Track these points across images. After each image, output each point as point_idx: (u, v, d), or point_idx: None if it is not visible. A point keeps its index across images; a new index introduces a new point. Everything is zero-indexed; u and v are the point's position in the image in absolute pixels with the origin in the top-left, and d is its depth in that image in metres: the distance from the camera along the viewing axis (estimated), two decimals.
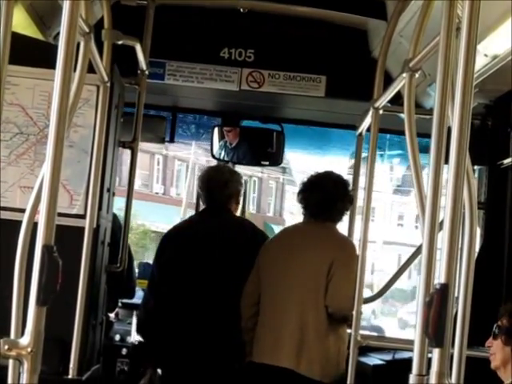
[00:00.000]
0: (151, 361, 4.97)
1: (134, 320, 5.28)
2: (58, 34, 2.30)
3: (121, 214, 4.59)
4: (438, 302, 1.95)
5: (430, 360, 2.03)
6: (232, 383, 4.67)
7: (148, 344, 4.96)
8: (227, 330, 4.66)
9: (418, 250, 4.65)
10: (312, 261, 4.41)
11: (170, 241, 4.95)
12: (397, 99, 3.71)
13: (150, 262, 5.44)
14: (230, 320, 4.65)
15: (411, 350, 2.09)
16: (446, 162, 2.04)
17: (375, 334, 11.45)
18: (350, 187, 4.68)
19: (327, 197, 4.52)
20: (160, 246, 5.03)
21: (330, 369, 4.34)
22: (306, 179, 4.70)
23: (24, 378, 2.16)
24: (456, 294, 2.02)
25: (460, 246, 2.06)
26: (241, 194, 5.01)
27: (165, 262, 4.87)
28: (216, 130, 5.97)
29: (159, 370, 4.97)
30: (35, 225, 2.28)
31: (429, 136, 2.14)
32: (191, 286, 4.75)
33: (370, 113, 3.96)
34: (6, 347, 2.14)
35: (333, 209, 4.53)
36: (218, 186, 4.88)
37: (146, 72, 4.54)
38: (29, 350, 2.14)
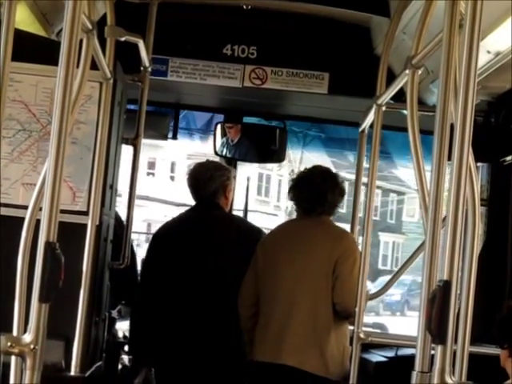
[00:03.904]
0: (139, 359, 4.93)
1: None
2: (61, 30, 2.31)
3: None
4: (440, 299, 1.95)
5: (432, 357, 2.03)
6: (232, 382, 4.65)
7: (134, 342, 4.92)
8: (219, 329, 4.61)
9: (421, 247, 4.65)
10: (316, 258, 4.36)
11: (158, 239, 4.89)
12: (400, 96, 3.71)
13: None
14: (222, 318, 4.61)
15: (414, 347, 2.10)
16: (449, 158, 2.04)
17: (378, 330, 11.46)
18: (340, 179, 4.62)
19: (317, 191, 4.47)
20: (149, 245, 4.98)
21: (336, 366, 4.32)
22: (295, 176, 4.64)
23: (26, 374, 2.17)
24: (459, 291, 2.02)
25: (463, 242, 2.06)
26: (229, 188, 4.87)
27: (152, 260, 4.82)
28: (219, 127, 5.97)
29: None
30: (38, 221, 2.28)
31: (432, 133, 2.14)
32: (178, 284, 4.67)
33: (373, 109, 3.96)
34: (9, 344, 2.15)
35: (325, 202, 4.49)
36: (203, 182, 4.79)
37: (149, 69, 4.54)
38: (31, 346, 2.15)
